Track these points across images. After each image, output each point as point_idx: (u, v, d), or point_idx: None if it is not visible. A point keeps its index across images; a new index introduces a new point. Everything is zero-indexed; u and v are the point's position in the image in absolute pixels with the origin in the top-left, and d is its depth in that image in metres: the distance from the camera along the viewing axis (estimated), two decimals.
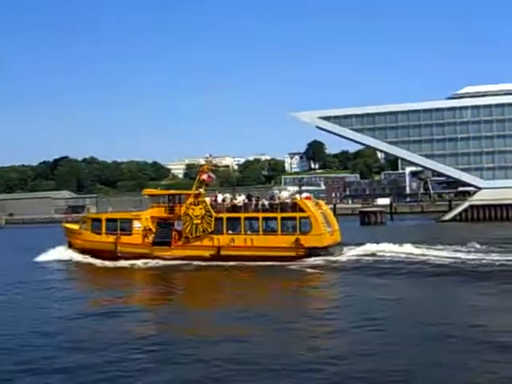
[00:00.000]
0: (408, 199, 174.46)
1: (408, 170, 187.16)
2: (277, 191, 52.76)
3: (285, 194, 46.18)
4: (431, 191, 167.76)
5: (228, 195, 44.94)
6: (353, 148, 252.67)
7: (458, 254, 38.16)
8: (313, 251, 39.09)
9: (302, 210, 40.05)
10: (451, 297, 26.73)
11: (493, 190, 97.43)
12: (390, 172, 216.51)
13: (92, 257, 44.08)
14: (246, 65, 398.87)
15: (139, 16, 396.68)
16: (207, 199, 42.64)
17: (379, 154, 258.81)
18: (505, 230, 65.04)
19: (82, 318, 23.06)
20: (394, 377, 14.71)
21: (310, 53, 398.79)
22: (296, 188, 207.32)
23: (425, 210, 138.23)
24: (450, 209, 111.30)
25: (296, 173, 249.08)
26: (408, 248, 40.77)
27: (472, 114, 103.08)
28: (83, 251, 45.27)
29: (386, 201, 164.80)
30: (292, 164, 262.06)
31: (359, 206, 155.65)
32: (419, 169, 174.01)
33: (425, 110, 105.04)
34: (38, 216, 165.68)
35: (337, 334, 19.50)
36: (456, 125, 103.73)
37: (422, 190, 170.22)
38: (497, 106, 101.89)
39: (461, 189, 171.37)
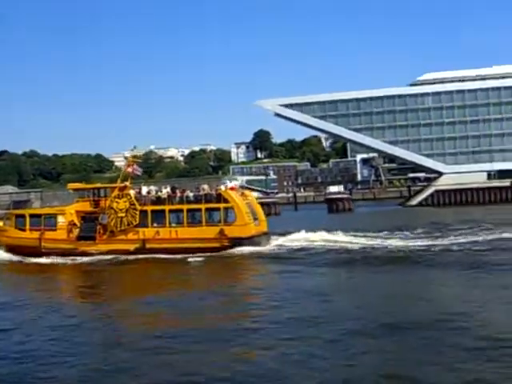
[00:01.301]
0: (359, 186, 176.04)
1: (359, 157, 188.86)
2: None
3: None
4: (383, 178, 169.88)
5: (153, 187, 44.32)
6: (299, 137, 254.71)
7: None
8: (237, 242, 38.97)
9: (226, 201, 39.98)
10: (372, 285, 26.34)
11: (456, 175, 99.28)
12: (338, 160, 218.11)
13: (17, 254, 42.89)
14: (190, 56, 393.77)
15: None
16: (132, 192, 42.02)
17: (324, 142, 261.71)
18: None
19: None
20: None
21: (262, 44, 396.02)
22: (245, 177, 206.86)
23: (377, 197, 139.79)
24: (410, 195, 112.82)
25: (243, 162, 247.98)
26: (341, 236, 42.13)
27: (433, 101, 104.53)
28: (9, 249, 44.05)
29: (337, 188, 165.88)
30: (239, 154, 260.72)
31: (312, 194, 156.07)
32: (370, 156, 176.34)
33: (387, 97, 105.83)
34: None
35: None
36: (418, 111, 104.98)
37: (373, 177, 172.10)
38: (458, 92, 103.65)
39: (411, 175, 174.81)
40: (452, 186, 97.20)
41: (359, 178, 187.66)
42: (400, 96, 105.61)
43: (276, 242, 41.17)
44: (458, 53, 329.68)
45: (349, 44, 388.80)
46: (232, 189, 42.39)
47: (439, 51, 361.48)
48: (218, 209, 40.18)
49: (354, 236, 42.65)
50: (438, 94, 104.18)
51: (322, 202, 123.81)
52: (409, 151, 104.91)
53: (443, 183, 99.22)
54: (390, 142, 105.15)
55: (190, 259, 36.56)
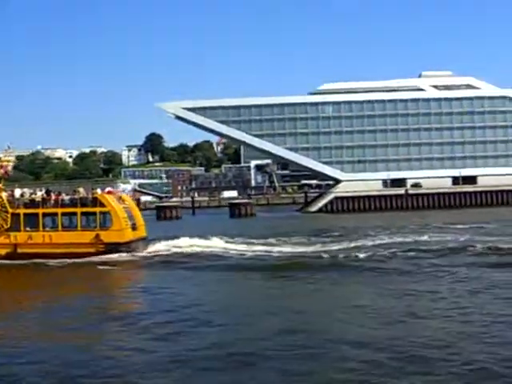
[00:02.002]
0: (253, 192, 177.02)
1: (253, 163, 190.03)
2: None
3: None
4: (276, 184, 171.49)
5: (27, 190, 42.73)
6: (191, 141, 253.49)
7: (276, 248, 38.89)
8: (113, 247, 38.02)
9: (102, 205, 38.92)
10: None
11: (353, 183, 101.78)
12: (232, 165, 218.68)
13: None
14: (85, 59, 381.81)
15: None
16: (4, 194, 40.21)
17: (216, 148, 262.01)
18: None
19: None
20: None
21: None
22: (137, 181, 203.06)
23: (270, 203, 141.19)
24: (306, 201, 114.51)
25: (134, 165, 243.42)
26: (218, 242, 41.79)
27: (333, 110, 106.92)
28: None
29: (232, 193, 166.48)
30: (130, 157, 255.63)
31: (206, 198, 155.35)
32: (264, 162, 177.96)
33: (289, 104, 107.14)
34: None
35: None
36: (319, 119, 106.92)
37: (267, 183, 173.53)
38: (356, 102, 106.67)
39: (303, 182, 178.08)
40: (351, 193, 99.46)
41: (253, 183, 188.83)
42: (301, 104, 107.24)
43: (155, 247, 40.35)
44: (356, 65, 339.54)
45: (251, 51, 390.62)
46: (109, 193, 41.28)
47: (338, 63, 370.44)
48: (93, 213, 38.82)
49: (248, 243, 41.65)
50: (338, 103, 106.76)
51: (218, 206, 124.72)
52: (308, 158, 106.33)
53: (342, 190, 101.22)
54: (291, 149, 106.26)
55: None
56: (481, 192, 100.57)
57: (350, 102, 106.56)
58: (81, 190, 40.90)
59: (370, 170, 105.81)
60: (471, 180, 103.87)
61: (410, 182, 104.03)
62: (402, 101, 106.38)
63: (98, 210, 38.49)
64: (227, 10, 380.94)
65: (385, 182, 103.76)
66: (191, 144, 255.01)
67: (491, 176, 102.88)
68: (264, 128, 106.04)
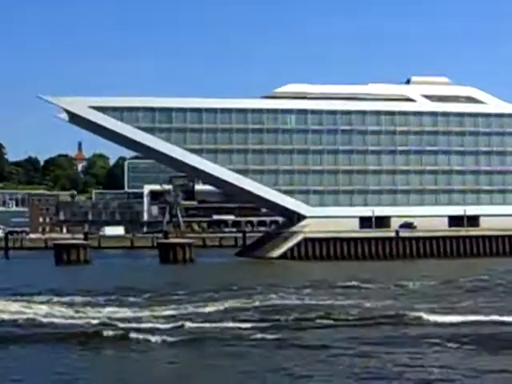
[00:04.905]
0: (146, 229, 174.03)
1: (147, 188, 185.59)
2: None
3: None
4: (180, 219, 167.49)
5: None
6: (42, 154, 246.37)
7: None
8: None
9: None
10: None
11: (321, 220, 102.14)
12: (106, 191, 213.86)
13: None
14: None
15: None
16: None
17: (79, 166, 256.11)
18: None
19: None
20: None
21: None
22: None
23: None
24: (245, 242, 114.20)
25: None
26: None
27: (297, 121, 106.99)
28: None
29: (117, 230, 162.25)
30: None
31: (81, 235, 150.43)
32: (166, 188, 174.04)
33: (238, 110, 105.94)
34: None
35: None
36: (277, 133, 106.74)
37: (167, 218, 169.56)
38: (328, 112, 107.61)
39: (216, 217, 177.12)
40: (325, 234, 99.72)
41: (146, 217, 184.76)
42: (255, 111, 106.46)
43: None
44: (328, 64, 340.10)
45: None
46: None
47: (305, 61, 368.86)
48: None
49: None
50: (304, 112, 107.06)
51: (98, 247, 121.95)
52: (262, 185, 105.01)
53: (314, 229, 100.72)
54: (239, 171, 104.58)
55: None
56: (487, 236, 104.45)
57: (319, 112, 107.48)
58: None
59: (344, 203, 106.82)
60: (472, 221, 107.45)
61: (394, 222, 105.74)
62: (387, 113, 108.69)
63: None
64: None
65: (368, 221, 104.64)
66: (42, 159, 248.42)
67: (497, 216, 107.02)
68: (204, 141, 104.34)
